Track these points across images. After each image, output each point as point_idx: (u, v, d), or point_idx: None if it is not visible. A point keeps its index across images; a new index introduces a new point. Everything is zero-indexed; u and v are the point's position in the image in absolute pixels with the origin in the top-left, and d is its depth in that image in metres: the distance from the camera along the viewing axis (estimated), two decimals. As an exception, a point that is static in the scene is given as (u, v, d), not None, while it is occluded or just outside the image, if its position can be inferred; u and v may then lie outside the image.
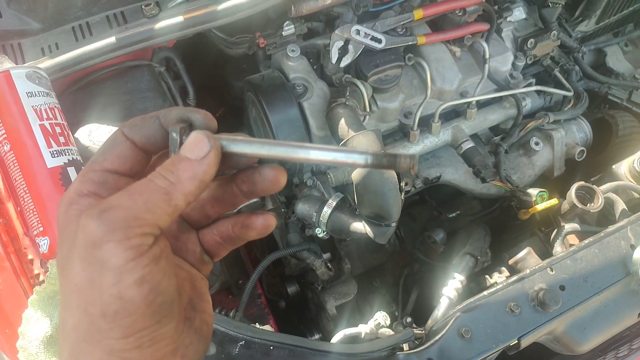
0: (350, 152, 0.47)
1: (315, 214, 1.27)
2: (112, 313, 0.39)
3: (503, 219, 1.69)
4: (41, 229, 0.94)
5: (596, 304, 1.17)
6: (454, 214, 1.70)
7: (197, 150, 0.43)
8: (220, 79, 1.62)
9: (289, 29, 1.29)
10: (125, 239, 0.38)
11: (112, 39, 1.09)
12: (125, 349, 0.40)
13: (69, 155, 1.01)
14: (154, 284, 0.40)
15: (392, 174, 1.14)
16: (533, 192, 1.30)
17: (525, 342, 1.13)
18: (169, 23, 1.10)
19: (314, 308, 1.64)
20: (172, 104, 1.30)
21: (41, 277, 1.00)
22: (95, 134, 1.12)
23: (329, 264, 1.44)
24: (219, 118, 1.73)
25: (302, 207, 1.31)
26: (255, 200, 1.45)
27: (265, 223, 0.53)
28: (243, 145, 0.46)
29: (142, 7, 1.12)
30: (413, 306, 1.67)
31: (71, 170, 1.01)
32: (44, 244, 0.94)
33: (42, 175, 0.96)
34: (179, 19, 1.11)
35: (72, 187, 0.45)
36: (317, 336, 1.64)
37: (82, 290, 0.40)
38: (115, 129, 1.13)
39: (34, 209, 0.95)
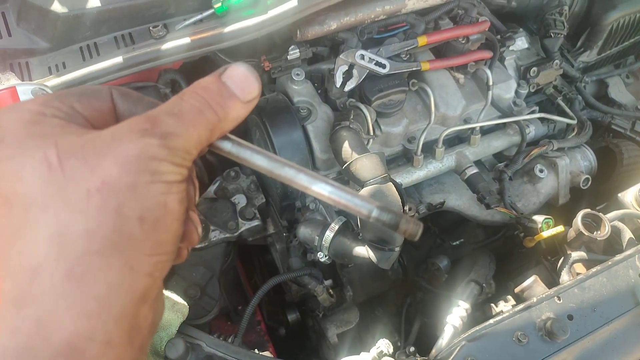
0: (357, 198, 0.44)
1: (317, 237, 1.25)
2: (154, 219, 0.36)
3: (507, 247, 1.67)
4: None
5: (605, 335, 1.14)
6: (457, 242, 1.68)
7: (248, 90, 0.41)
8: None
9: (294, 53, 1.30)
10: (181, 164, 0.38)
11: (118, 59, 1.09)
12: (143, 272, 0.36)
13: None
14: (185, 207, 0.40)
15: (396, 198, 1.13)
16: (538, 219, 1.28)
17: (533, 374, 1.09)
18: (176, 44, 1.11)
19: (314, 336, 1.60)
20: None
21: None
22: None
23: (330, 290, 1.41)
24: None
25: (304, 231, 1.29)
26: (257, 223, 1.43)
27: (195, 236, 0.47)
28: (250, 153, 0.44)
29: (150, 28, 1.14)
30: (416, 336, 1.63)
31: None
32: None
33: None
34: (186, 40, 1.12)
35: (28, 104, 0.38)
36: (317, 365, 1.59)
37: (116, 191, 0.35)
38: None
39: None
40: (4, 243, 0.35)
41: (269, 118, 1.26)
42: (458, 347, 1.08)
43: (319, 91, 1.37)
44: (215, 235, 1.40)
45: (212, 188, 1.47)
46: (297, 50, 1.30)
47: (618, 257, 1.21)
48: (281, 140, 1.25)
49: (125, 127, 0.37)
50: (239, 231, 1.41)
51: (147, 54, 1.12)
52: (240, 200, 1.46)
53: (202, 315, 1.33)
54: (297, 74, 1.31)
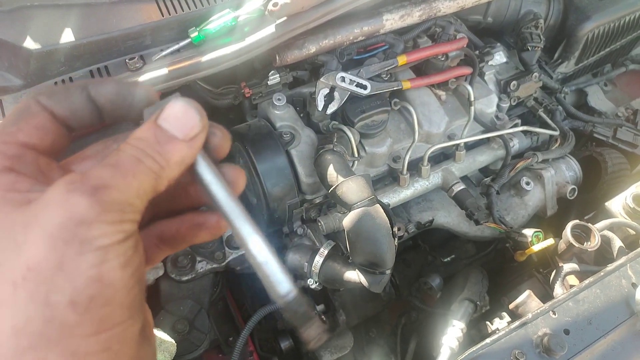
0: (282, 274, 0.41)
1: (306, 264, 1.23)
2: (87, 300, 0.32)
3: (499, 261, 1.66)
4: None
5: (602, 348, 1.13)
6: (448, 258, 1.67)
7: (188, 128, 0.37)
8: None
9: (274, 78, 1.29)
10: (120, 221, 0.34)
11: (95, 93, 1.07)
12: (91, 351, 0.33)
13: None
14: (134, 268, 0.35)
15: (385, 221, 1.11)
16: (528, 232, 1.27)
17: (532, 393, 1.07)
18: (153, 75, 1.09)
19: (308, 363, 1.56)
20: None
21: None
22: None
23: (323, 317, 1.38)
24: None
25: (292, 258, 1.27)
26: (243, 252, 1.40)
27: (219, 222, 0.45)
28: (211, 179, 0.40)
29: (126, 60, 1.12)
30: (413, 356, 1.61)
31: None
32: None
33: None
34: (164, 71, 1.10)
35: None
36: (313, 394, 1.55)
37: (43, 276, 0.32)
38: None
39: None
40: None
41: (252, 145, 1.24)
42: (456, 370, 1.06)
43: (301, 115, 1.35)
44: (202, 266, 1.37)
45: (197, 217, 1.44)
46: (277, 75, 1.29)
47: (610, 267, 1.20)
48: (265, 166, 1.23)
49: (56, 188, 0.33)
50: (226, 261, 1.38)
51: (124, 86, 1.09)
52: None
53: (192, 350, 1.29)
54: (279, 99, 1.29)
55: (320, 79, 1.25)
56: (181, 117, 0.37)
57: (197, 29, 1.13)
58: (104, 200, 0.33)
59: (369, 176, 1.16)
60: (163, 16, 1.12)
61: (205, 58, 1.12)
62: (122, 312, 0.34)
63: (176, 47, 1.14)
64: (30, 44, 1.06)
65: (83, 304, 0.32)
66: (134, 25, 1.10)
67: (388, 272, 1.15)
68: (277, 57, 1.23)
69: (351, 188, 1.11)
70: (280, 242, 1.43)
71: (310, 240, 1.32)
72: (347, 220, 1.12)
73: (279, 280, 0.40)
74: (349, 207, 1.12)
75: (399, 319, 1.65)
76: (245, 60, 1.16)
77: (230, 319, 1.54)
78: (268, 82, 1.29)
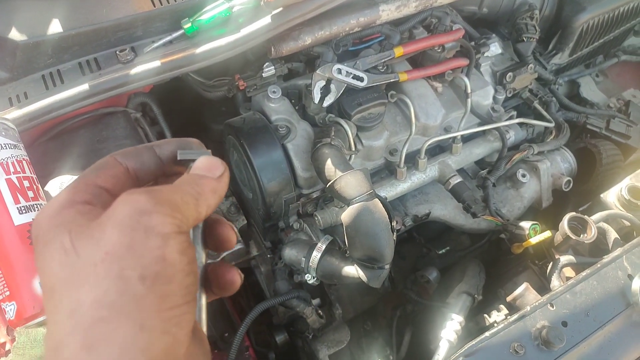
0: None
1: (304, 259, 1.21)
2: (153, 275, 0.38)
3: (494, 252, 1.66)
4: (7, 293, 0.86)
5: (600, 339, 1.13)
6: (443, 250, 1.66)
7: (214, 169, 0.47)
8: (198, 123, 1.58)
9: (269, 70, 1.26)
10: (171, 215, 0.40)
11: (85, 86, 1.04)
12: (156, 328, 0.38)
13: (37, 211, 0.94)
14: (190, 258, 0.41)
15: (383, 215, 1.10)
16: (525, 225, 1.27)
17: (532, 385, 1.08)
18: (145, 68, 1.06)
19: (305, 357, 1.55)
20: (150, 151, 1.24)
21: (7, 346, 0.91)
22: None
23: (319, 312, 1.37)
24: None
25: (289, 253, 1.25)
26: (239, 247, 1.38)
27: (232, 279, 0.53)
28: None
29: (117, 52, 1.08)
30: (408, 349, 1.61)
31: (42, 227, 0.93)
32: (10, 309, 0.86)
33: (9, 234, 0.88)
34: (156, 63, 1.07)
35: (61, 196, 0.43)
36: (310, 388, 1.54)
37: (117, 256, 0.38)
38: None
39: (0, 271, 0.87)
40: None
41: (247, 139, 1.21)
42: (455, 364, 1.06)
43: (297, 108, 1.33)
44: (197, 262, 1.34)
45: (191, 213, 1.41)
46: (272, 67, 1.27)
47: (606, 259, 1.21)
48: (261, 161, 1.21)
49: (120, 196, 0.41)
50: (221, 256, 1.36)
51: (115, 79, 1.06)
52: (221, 223, 1.40)
53: (188, 347, 1.27)
54: (274, 92, 1.27)
55: (317, 71, 1.23)
56: (208, 163, 0.47)
57: (190, 20, 1.09)
58: (158, 198, 0.40)
59: (368, 170, 1.14)
60: (155, 6, 1.08)
61: (199, 50, 1.09)
62: (181, 294, 0.40)
63: (168, 38, 1.10)
64: (16, 35, 1.02)
65: (150, 277, 0.38)
66: (124, 16, 1.07)
67: (387, 267, 1.14)
68: (272, 49, 1.20)
69: (350, 182, 1.10)
70: (275, 237, 1.41)
71: (307, 235, 1.31)
72: (346, 215, 1.10)
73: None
74: (347, 202, 1.10)
75: (394, 311, 1.65)
76: (239, 53, 1.13)
77: (226, 315, 1.53)
78: (263, 74, 1.26)
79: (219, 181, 0.47)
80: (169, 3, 1.10)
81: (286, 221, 1.33)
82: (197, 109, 1.56)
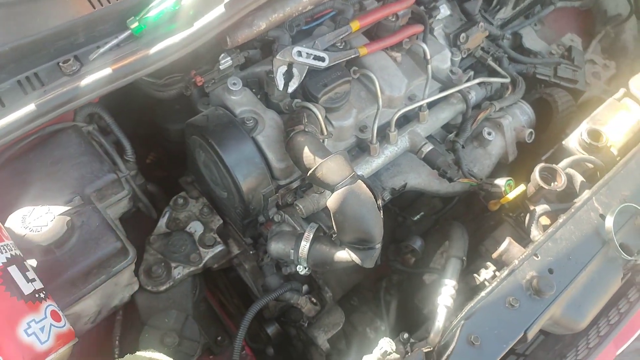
0: None
1: (292, 251, 1.18)
2: None
3: (463, 211, 1.71)
4: (-8, 348, 0.78)
5: (584, 279, 1.19)
6: (418, 217, 1.69)
7: None
8: (151, 125, 1.49)
9: (226, 62, 1.20)
10: None
11: (30, 107, 0.94)
12: None
13: (5, 252, 0.85)
14: None
15: (369, 196, 1.09)
16: (500, 182, 1.31)
17: (531, 334, 1.12)
18: (95, 78, 0.97)
19: (300, 345, 1.54)
20: (111, 165, 1.15)
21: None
22: (30, 219, 0.96)
23: (313, 299, 1.36)
24: (150, 165, 1.56)
25: (276, 247, 1.22)
26: (220, 248, 1.33)
27: None
28: None
29: (60, 64, 0.98)
30: (396, 316, 1.63)
31: (13, 270, 0.85)
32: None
33: (-22, 284, 0.80)
34: (107, 71, 0.98)
35: None
36: (309, 373, 1.54)
37: None
38: (54, 207, 0.99)
39: (-22, 327, 0.79)
40: None
41: (214, 137, 1.15)
42: (458, 328, 1.08)
43: (259, 96, 1.28)
44: (179, 272, 1.29)
45: (163, 222, 1.34)
46: (229, 58, 1.20)
47: (578, 202, 1.27)
48: (233, 158, 1.16)
49: None
50: (203, 261, 1.31)
51: (64, 94, 0.96)
52: (196, 227, 1.34)
53: (186, 360, 1.22)
54: (234, 83, 1.21)
55: (276, 57, 1.17)
56: None
57: (137, 19, 1.01)
58: None
59: (346, 153, 1.12)
60: (95, 8, 0.98)
61: (153, 50, 1.00)
62: None
63: (115, 41, 1.01)
64: (-61, 60, 0.90)
65: None
66: (62, 23, 0.96)
67: (378, 246, 1.14)
68: (228, 39, 1.13)
69: (331, 168, 1.07)
70: (255, 232, 1.37)
71: (290, 226, 1.27)
72: (332, 202, 1.08)
73: None
74: (331, 188, 1.08)
75: (380, 283, 1.67)
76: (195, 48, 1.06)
77: (215, 318, 1.48)
78: (220, 66, 1.20)
79: None
80: (109, 3, 1.00)
81: (266, 215, 1.29)
82: (149, 111, 1.47)
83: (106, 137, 1.24)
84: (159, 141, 1.60)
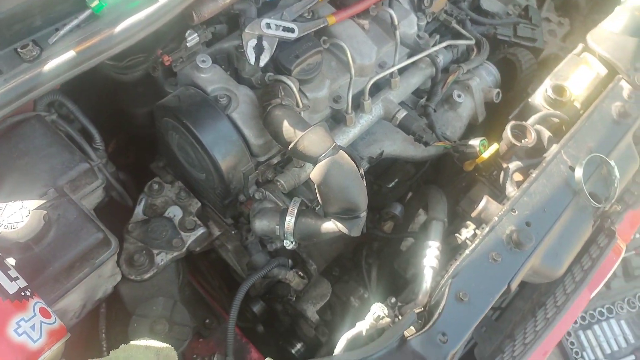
0: None
1: (277, 227, 1.18)
2: None
3: (437, 175, 1.74)
4: (-17, 353, 0.74)
5: (559, 229, 1.25)
6: (392, 183, 1.71)
7: None
8: (116, 110, 1.42)
9: (193, 39, 1.15)
10: None
11: (-10, 98, 0.87)
12: None
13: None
14: None
15: (352, 165, 1.09)
16: (475, 142, 1.33)
17: (514, 285, 1.17)
18: (59, 62, 0.92)
19: (287, 319, 1.55)
20: (81, 155, 1.10)
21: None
22: (4, 215, 0.91)
23: (300, 273, 1.37)
24: (112, 152, 1.49)
25: (260, 224, 1.21)
26: (201, 231, 1.31)
27: None
28: None
29: (18, 50, 0.91)
30: (380, 283, 1.67)
31: (-7, 269, 0.80)
32: (-8, 370, 0.75)
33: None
34: (70, 54, 0.92)
35: None
36: (298, 345, 1.56)
37: None
38: (28, 202, 0.94)
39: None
40: None
41: (189, 117, 1.12)
42: (447, 286, 1.12)
43: (228, 72, 1.24)
44: (162, 258, 1.26)
45: (139, 209, 1.30)
46: (195, 34, 1.16)
47: (548, 157, 1.32)
48: (210, 137, 1.13)
49: None
50: (186, 245, 1.28)
51: (25, 82, 0.91)
52: (175, 212, 1.31)
53: (178, 347, 1.21)
54: (203, 61, 1.17)
55: (245, 30, 1.14)
56: None
57: (97, -3, 0.95)
58: None
59: (325, 124, 1.11)
60: (50, -13, 0.92)
61: (117, 29, 0.95)
62: None
63: (75, 22, 0.95)
64: None
65: None
66: (16, 4, 0.89)
67: (363, 214, 1.15)
68: (194, 14, 1.09)
69: (313, 140, 1.06)
70: (236, 212, 1.36)
71: (272, 202, 1.26)
72: (316, 174, 1.07)
73: None
74: (314, 160, 1.07)
75: (360, 252, 1.69)
76: (163, 24, 1.01)
77: (200, 301, 1.46)
78: (187, 44, 1.15)
79: None
80: (66, -20, 0.94)
81: (246, 193, 1.27)
82: (109, 95, 1.40)
83: (71, 126, 1.19)
84: (122, 127, 1.54)
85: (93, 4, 0.95)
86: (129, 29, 0.96)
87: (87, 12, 0.95)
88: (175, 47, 1.16)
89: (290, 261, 1.50)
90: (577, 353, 2.27)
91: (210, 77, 1.18)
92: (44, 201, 0.97)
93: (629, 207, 1.49)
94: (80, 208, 1.02)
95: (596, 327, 2.31)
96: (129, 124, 1.47)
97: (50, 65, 0.91)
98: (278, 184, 1.23)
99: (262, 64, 1.17)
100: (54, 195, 0.99)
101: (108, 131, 1.55)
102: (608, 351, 2.27)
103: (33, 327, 0.80)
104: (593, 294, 1.40)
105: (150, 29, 0.99)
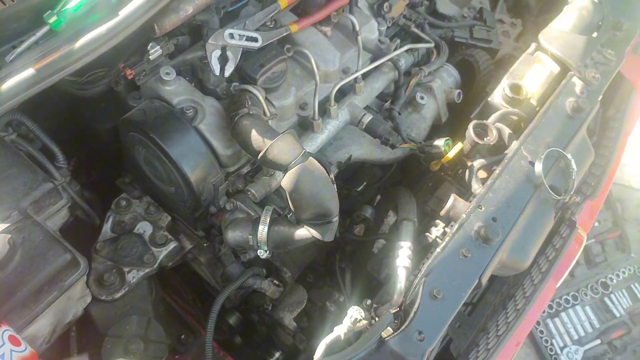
0: None
1: (250, 237, 1.18)
2: None
3: (403, 176, 1.78)
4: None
5: (523, 222, 1.30)
6: (361, 187, 1.73)
7: None
8: (77, 126, 1.39)
9: (155, 51, 1.14)
10: None
11: (-56, 120, 0.84)
12: None
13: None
14: None
15: (322, 171, 1.10)
16: (439, 142, 1.37)
17: (484, 279, 1.21)
18: (18, 80, 0.89)
19: (264, 329, 1.55)
20: (44, 175, 1.07)
21: None
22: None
23: (276, 282, 1.36)
24: (73, 171, 1.44)
25: (233, 235, 1.20)
26: (173, 245, 1.29)
27: None
28: None
29: (-28, 69, 0.88)
30: (354, 286, 1.68)
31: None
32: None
33: None
34: (29, 72, 0.90)
35: None
36: (277, 354, 1.56)
37: None
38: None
39: None
40: None
41: (155, 131, 1.10)
42: (421, 285, 1.14)
43: (193, 84, 1.23)
44: (134, 275, 1.23)
45: (107, 227, 1.28)
46: (158, 46, 1.14)
47: (509, 153, 1.36)
48: (178, 150, 1.12)
49: None
50: (158, 261, 1.26)
51: (-18, 102, 0.87)
52: (144, 228, 1.29)
53: (155, 364, 1.19)
54: (167, 73, 1.15)
55: (209, 41, 1.14)
56: None
57: (55, 12, 0.93)
58: None
59: (294, 131, 1.12)
60: (5, 4, 0.89)
61: (78, 45, 0.93)
62: None
63: (33, 39, 0.93)
64: None
65: None
66: (-32, 23, 0.87)
67: (336, 219, 1.16)
68: (156, 27, 1.07)
69: (282, 148, 1.07)
70: (206, 224, 1.34)
71: (243, 212, 1.26)
72: (287, 182, 1.08)
73: None
74: (284, 168, 1.08)
75: (333, 256, 1.70)
76: (125, 37, 1.00)
77: (174, 317, 1.44)
78: (150, 56, 1.14)
79: None
80: (20, -3, 0.91)
81: (217, 204, 1.26)
82: (72, 111, 1.37)
83: (32, 145, 1.15)
84: (84, 144, 1.50)
85: (51, 20, 0.93)
86: (89, 44, 0.94)
87: (45, 29, 0.93)
88: (137, 60, 1.15)
89: (264, 270, 1.50)
90: (546, 341, 2.34)
91: (175, 90, 1.17)
92: (8, 225, 0.93)
93: (587, 198, 1.55)
94: (46, 229, 0.99)
95: (563, 314, 2.40)
96: (91, 141, 1.44)
97: (8, 84, 0.89)
98: (249, 193, 1.22)
99: (227, 74, 1.17)
100: (17, 218, 0.95)
101: (69, 149, 1.51)
102: (576, 337, 2.36)
103: (2, 356, 0.77)
104: (559, 283, 1.45)
105: (112, 43, 0.97)
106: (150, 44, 1.13)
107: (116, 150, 1.33)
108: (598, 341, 2.36)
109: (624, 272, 2.55)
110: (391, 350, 1.05)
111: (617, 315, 2.44)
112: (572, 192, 1.36)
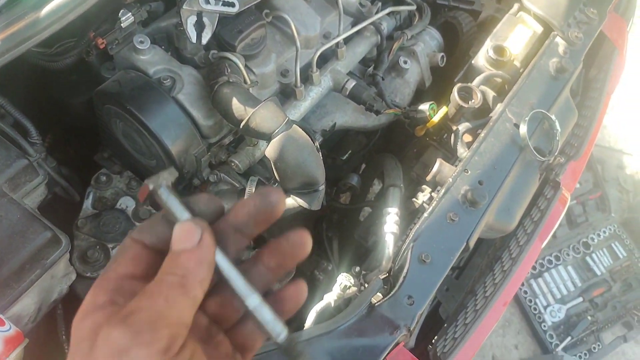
0: (275, 320, 0.47)
1: (236, 208, 1.16)
2: None
3: (388, 143, 1.76)
4: None
5: (509, 184, 1.30)
6: (346, 155, 1.71)
7: (190, 237, 0.44)
8: (50, 101, 1.33)
9: (127, 19, 1.09)
10: (154, 341, 0.39)
11: None
12: None
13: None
14: None
15: (307, 139, 1.08)
16: (424, 107, 1.35)
17: (472, 242, 1.21)
18: (-18, 51, 0.84)
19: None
20: (18, 151, 1.03)
21: None
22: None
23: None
24: (49, 148, 1.40)
25: (218, 207, 1.18)
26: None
27: (298, 292, 0.52)
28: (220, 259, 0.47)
29: None
30: (341, 254, 1.68)
31: None
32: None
33: None
34: (-7, 42, 0.85)
35: (86, 299, 0.43)
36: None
37: None
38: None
39: None
40: None
41: (133, 102, 1.07)
42: (409, 250, 1.14)
43: (169, 53, 1.19)
44: (118, 251, 1.21)
45: (88, 203, 1.24)
46: (129, 13, 1.09)
47: (494, 116, 1.36)
48: (157, 122, 1.08)
49: (100, 333, 0.40)
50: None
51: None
52: (127, 203, 1.26)
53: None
54: (141, 41, 1.11)
55: (183, 7, 1.09)
56: (181, 232, 0.44)
57: (17, -23, 0.87)
58: (132, 323, 0.39)
59: (276, 99, 1.09)
60: (-38, -31, 0.84)
61: (44, 12, 0.88)
62: None
63: (-5, 7, 0.87)
64: None
65: None
66: None
67: (322, 187, 1.15)
68: (127, -8, 1.02)
69: (265, 116, 1.04)
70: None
71: (228, 184, 1.24)
72: (271, 150, 1.06)
73: (272, 324, 0.47)
74: (267, 137, 1.06)
75: (320, 225, 1.69)
76: (92, 4, 0.95)
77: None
78: (122, 24, 1.09)
79: (200, 248, 0.44)
80: (-22, -39, 0.85)
81: (200, 177, 1.24)
82: (43, 85, 1.31)
83: (3, 121, 1.10)
84: (58, 119, 1.44)
85: (13, -14, 0.87)
86: (56, 12, 0.89)
87: (7, -5, 0.87)
88: (108, 28, 1.10)
89: (252, 243, 1.48)
90: (530, 301, 2.40)
91: (150, 59, 1.12)
92: (-18, 204, 0.90)
93: (570, 159, 1.56)
94: (24, 207, 0.95)
95: (546, 274, 2.45)
96: (65, 116, 1.39)
97: (-28, 55, 0.84)
98: (232, 164, 1.20)
99: (204, 41, 1.13)
100: (-8, 197, 0.92)
101: (43, 125, 1.45)
102: (558, 296, 2.42)
103: (-14, 336, 0.75)
104: (544, 244, 1.47)
105: (80, 10, 0.92)
106: (121, 11, 1.08)
107: (92, 125, 1.28)
108: (580, 299, 2.43)
109: (604, 232, 2.60)
110: (381, 315, 1.05)
111: (598, 273, 2.50)
112: (556, 153, 1.36)
